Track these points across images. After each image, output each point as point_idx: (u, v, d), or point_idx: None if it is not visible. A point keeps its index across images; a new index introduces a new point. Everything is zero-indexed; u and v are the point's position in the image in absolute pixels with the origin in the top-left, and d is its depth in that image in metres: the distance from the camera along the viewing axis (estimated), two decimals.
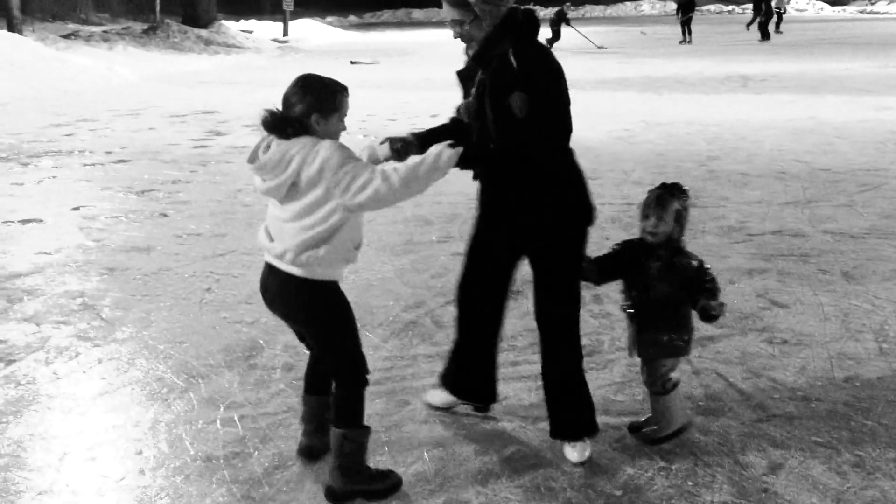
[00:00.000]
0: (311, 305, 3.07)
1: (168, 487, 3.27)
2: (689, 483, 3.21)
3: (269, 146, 2.99)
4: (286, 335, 4.68)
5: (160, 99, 15.64)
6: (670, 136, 10.86)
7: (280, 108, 3.01)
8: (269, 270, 3.11)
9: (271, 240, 3.07)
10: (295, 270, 3.00)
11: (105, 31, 29.17)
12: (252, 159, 3.02)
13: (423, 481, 3.27)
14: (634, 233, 6.39)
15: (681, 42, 29.48)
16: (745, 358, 4.29)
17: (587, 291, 5.23)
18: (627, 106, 13.83)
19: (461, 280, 3.64)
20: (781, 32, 31.65)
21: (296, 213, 2.97)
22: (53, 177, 9.02)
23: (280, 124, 2.97)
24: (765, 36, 29.76)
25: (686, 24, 30.05)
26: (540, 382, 4.03)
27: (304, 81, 3.01)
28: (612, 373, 4.15)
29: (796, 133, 10.99)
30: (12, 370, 4.28)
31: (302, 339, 3.38)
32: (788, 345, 4.46)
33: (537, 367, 4.20)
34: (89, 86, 17.57)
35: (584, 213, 3.41)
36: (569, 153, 3.41)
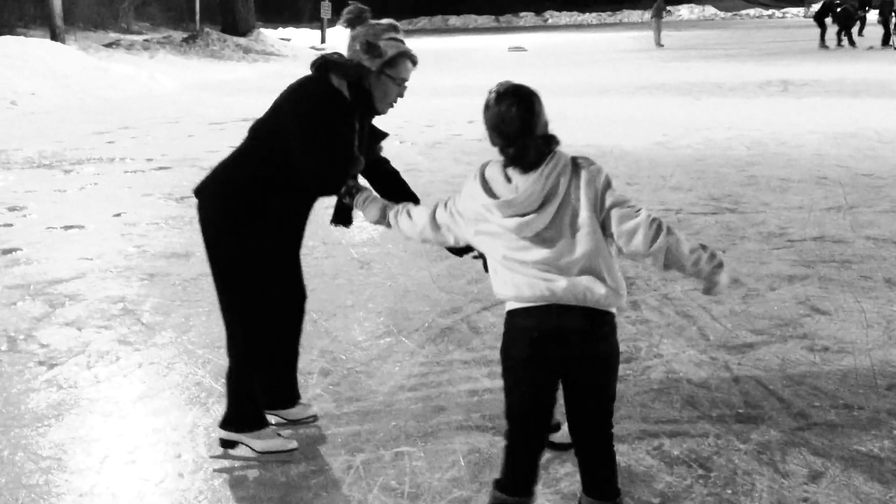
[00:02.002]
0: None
1: (206, 490, 3.29)
2: (728, 491, 3.17)
3: None
4: (322, 340, 4.72)
5: (200, 106, 15.82)
6: (709, 142, 10.77)
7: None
8: None
9: None
10: None
11: (146, 40, 29.59)
12: None
13: (459, 487, 3.26)
14: None
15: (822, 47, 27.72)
16: (786, 365, 4.24)
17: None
18: (665, 111, 13.74)
19: None
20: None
21: None
22: (95, 184, 9.16)
23: None
24: (852, 43, 28.14)
25: (843, 31, 28.19)
26: None
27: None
28: (649, 379, 4.12)
29: (837, 138, 10.84)
30: (54, 374, 4.35)
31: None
32: (830, 352, 4.39)
33: None
34: (131, 94, 17.83)
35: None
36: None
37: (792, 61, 22.76)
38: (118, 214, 7.74)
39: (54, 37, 23.51)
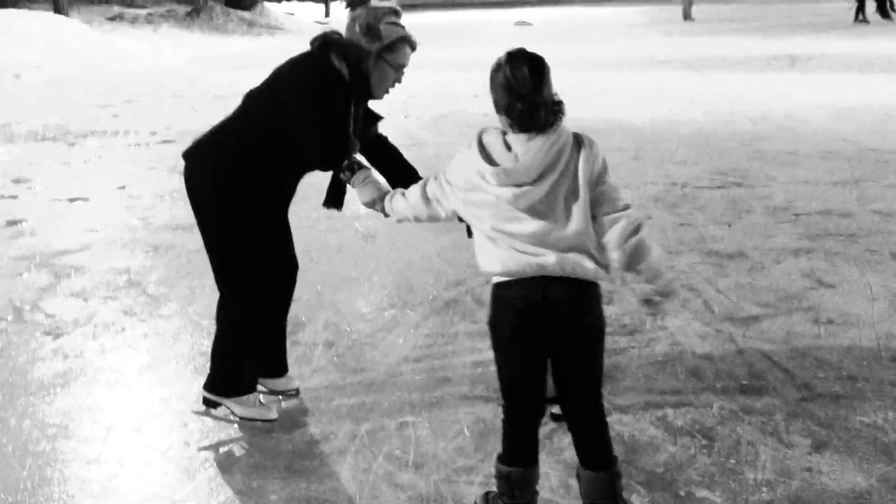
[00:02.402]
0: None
1: (212, 459, 3.31)
2: (732, 461, 3.18)
3: None
4: (327, 312, 4.73)
5: (203, 80, 15.78)
6: (715, 116, 10.72)
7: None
8: None
9: None
10: None
11: (149, 14, 29.46)
12: None
13: (463, 456, 3.28)
14: (679, 213, 6.39)
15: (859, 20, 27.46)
16: (791, 338, 4.24)
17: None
18: (672, 85, 13.67)
19: None
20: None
21: None
22: (99, 156, 9.15)
23: None
24: (885, 14, 27.38)
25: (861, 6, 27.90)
26: None
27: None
28: (653, 351, 4.12)
29: (844, 112, 10.78)
30: (60, 343, 4.37)
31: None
32: (835, 325, 4.39)
33: None
34: (134, 67, 17.78)
35: None
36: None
37: (799, 36, 22.61)
38: (122, 187, 7.74)
39: (58, 10, 23.41)
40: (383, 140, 3.61)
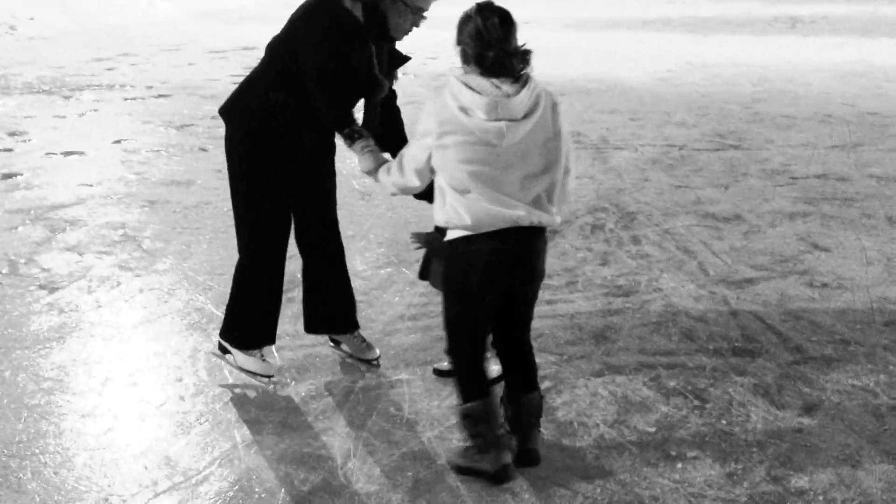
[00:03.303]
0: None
1: (207, 413, 3.33)
2: (723, 422, 3.21)
3: None
4: None
5: (200, 34, 15.61)
6: (715, 78, 10.65)
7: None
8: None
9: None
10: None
11: None
12: None
13: (455, 415, 3.29)
14: (676, 175, 6.38)
15: None
16: (785, 300, 4.25)
17: (626, 232, 5.21)
18: (671, 46, 13.56)
19: None
20: None
21: None
22: (95, 110, 9.08)
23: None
24: None
25: None
26: (575, 321, 4.06)
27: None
28: (647, 312, 4.13)
29: (845, 76, 10.72)
30: (56, 297, 4.37)
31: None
32: (829, 288, 4.40)
33: (573, 306, 4.23)
34: (130, 20, 17.58)
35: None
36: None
37: None
38: (118, 141, 7.69)
39: None
40: (392, 98, 3.51)
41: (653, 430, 3.17)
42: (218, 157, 7.02)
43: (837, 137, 7.58)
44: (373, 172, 3.12)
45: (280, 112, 3.27)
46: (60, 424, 3.26)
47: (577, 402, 3.35)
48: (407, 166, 2.89)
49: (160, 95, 9.86)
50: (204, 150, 7.37)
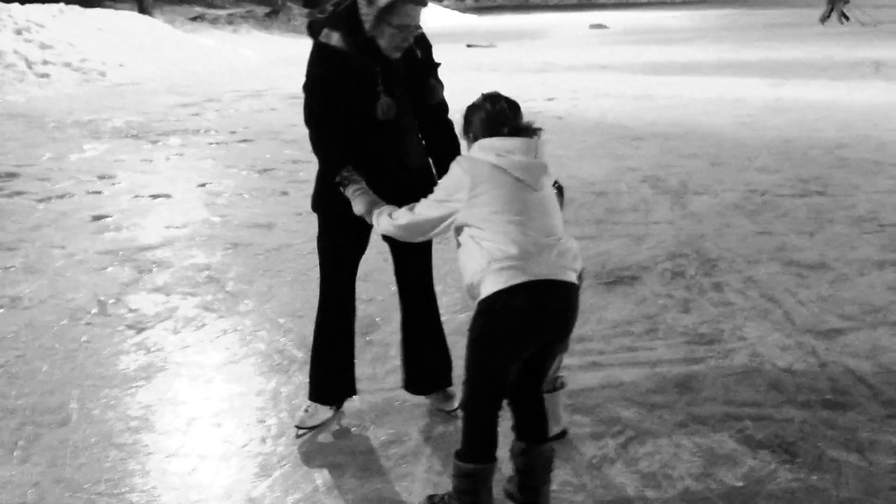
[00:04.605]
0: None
1: (289, 455, 3.36)
2: (814, 477, 3.10)
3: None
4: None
5: (281, 80, 16.00)
6: (797, 123, 10.48)
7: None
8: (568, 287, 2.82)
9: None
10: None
11: (230, 14, 30.04)
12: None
13: None
14: (759, 221, 6.27)
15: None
16: (876, 352, 4.12)
17: (707, 279, 5.13)
18: (751, 90, 13.40)
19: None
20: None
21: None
22: (181, 154, 9.35)
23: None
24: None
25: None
26: (657, 369, 3.99)
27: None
28: (732, 363, 4.04)
29: None
30: (143, 338, 4.47)
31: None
32: None
33: (654, 354, 4.16)
34: (215, 67, 18.13)
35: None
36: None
37: (883, 42, 21.96)
38: (203, 185, 7.89)
39: (142, 10, 24.02)
40: (442, 111, 3.44)
41: (741, 484, 3.08)
42: (298, 201, 7.17)
43: None
44: (367, 215, 3.12)
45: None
46: (147, 464, 3.32)
47: (660, 454, 3.28)
48: (426, 211, 2.90)
49: (243, 140, 10.11)
50: (285, 193, 7.52)
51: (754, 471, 3.16)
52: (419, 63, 3.33)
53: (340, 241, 3.44)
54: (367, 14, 3.13)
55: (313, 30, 3.25)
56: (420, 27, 3.22)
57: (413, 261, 3.61)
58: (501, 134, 2.85)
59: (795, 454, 3.26)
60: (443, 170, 3.31)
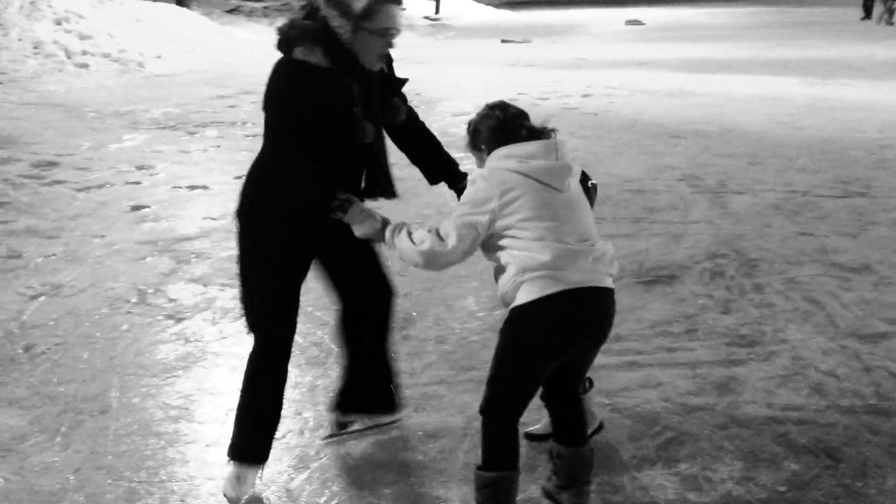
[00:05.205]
0: None
1: (326, 448, 3.36)
2: (858, 483, 3.06)
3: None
4: (437, 308, 4.75)
5: None
6: (837, 123, 10.33)
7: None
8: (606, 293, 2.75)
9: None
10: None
11: (265, 7, 30.13)
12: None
13: None
14: (799, 222, 6.19)
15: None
16: None
17: (748, 280, 5.07)
18: (790, 89, 13.24)
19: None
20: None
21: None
22: (218, 146, 9.40)
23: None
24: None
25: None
26: (697, 370, 3.95)
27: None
28: (773, 365, 3.99)
29: None
30: (182, 328, 4.50)
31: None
32: None
33: (694, 354, 4.12)
34: (251, 60, 18.19)
35: None
36: None
37: None
38: (239, 177, 7.87)
39: (179, 2, 24.15)
40: (417, 123, 3.25)
41: (783, 488, 3.04)
42: None
43: None
44: (377, 236, 2.82)
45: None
46: (186, 453, 3.34)
47: (701, 456, 3.25)
48: (454, 231, 2.63)
49: None
50: None
51: (797, 476, 3.12)
52: (386, 79, 3.11)
53: (286, 266, 3.10)
54: (341, 25, 2.85)
55: (288, 45, 2.92)
56: (400, 30, 2.97)
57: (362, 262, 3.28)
58: (517, 140, 2.74)
59: (839, 460, 3.21)
60: (436, 173, 3.23)
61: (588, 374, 3.38)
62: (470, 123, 2.86)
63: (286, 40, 2.92)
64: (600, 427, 3.38)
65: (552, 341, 2.67)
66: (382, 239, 2.79)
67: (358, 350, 3.39)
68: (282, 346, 3.15)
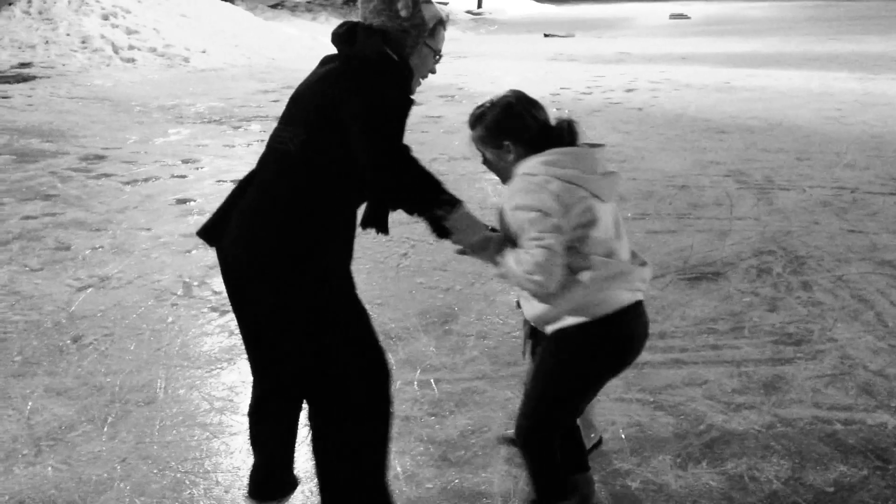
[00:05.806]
0: None
1: None
2: None
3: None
4: (480, 303, 4.73)
5: None
6: (887, 118, 10.14)
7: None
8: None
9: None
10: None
11: (308, 2, 30.32)
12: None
13: (620, 460, 3.21)
14: (848, 219, 6.08)
15: None
16: None
17: (795, 278, 5.00)
18: (838, 84, 13.02)
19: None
20: None
21: None
22: (261, 140, 9.46)
23: None
24: None
25: None
26: (742, 369, 3.90)
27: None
28: (821, 364, 3.93)
29: None
30: (226, 320, 4.54)
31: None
32: None
33: (739, 353, 4.07)
34: (294, 54, 18.32)
35: None
36: None
37: None
38: None
39: None
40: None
41: (831, 489, 2.99)
42: None
43: None
44: (487, 253, 2.56)
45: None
46: (231, 444, 3.37)
47: (747, 455, 3.21)
48: (548, 266, 2.41)
49: None
50: None
51: (845, 476, 3.07)
52: None
53: (354, 308, 2.92)
54: (408, 37, 2.70)
55: (378, 43, 2.67)
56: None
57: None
58: (557, 129, 2.57)
59: (888, 461, 3.15)
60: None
61: None
62: (483, 116, 2.61)
63: (379, 36, 2.68)
64: (599, 442, 3.29)
65: (617, 360, 2.60)
66: (485, 250, 2.56)
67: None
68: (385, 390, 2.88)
